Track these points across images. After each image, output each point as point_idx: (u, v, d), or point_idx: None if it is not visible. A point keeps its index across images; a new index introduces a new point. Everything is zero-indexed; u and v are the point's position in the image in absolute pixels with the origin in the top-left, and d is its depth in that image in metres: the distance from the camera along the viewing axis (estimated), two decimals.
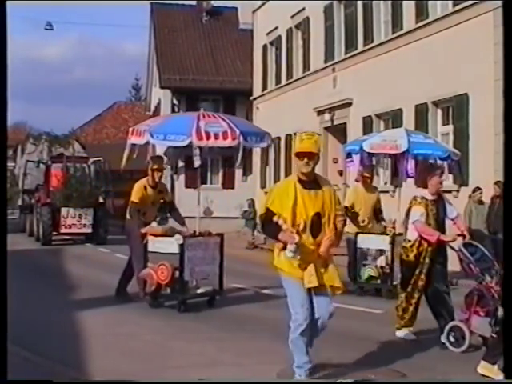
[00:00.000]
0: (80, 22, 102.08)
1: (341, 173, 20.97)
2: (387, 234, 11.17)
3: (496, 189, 13.12)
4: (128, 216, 10.08)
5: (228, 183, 33.41)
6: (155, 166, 9.99)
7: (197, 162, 9.66)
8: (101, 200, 22.81)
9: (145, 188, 9.99)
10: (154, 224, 9.92)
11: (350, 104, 20.83)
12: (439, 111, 16.90)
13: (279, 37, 26.81)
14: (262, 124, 28.66)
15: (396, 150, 11.24)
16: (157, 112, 36.60)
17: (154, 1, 36.40)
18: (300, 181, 5.72)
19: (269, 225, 5.71)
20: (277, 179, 26.41)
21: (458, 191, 15.19)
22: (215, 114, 10.44)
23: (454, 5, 15.99)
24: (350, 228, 11.10)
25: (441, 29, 16.28)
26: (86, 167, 23.76)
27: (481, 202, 13.89)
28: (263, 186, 27.93)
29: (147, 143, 9.93)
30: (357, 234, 11.40)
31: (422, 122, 16.71)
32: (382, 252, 11.19)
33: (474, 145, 15.16)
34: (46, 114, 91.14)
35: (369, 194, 11.64)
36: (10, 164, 28.86)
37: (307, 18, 23.99)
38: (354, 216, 11.39)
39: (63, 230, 22.17)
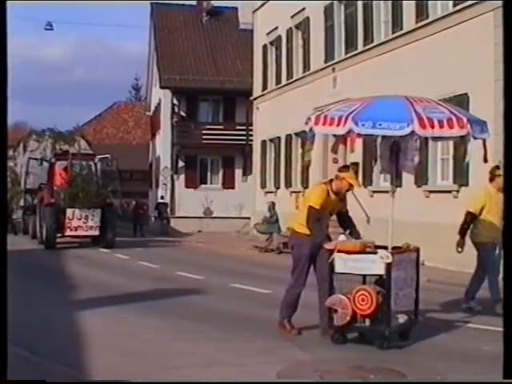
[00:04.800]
0: (80, 21, 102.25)
1: None
2: None
3: None
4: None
5: (228, 183, 33.43)
6: (346, 176, 7.93)
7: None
8: (108, 200, 21.64)
9: (327, 193, 8.05)
10: (342, 237, 7.85)
11: None
12: None
13: (279, 37, 26.79)
14: (261, 124, 28.88)
15: None
16: (157, 112, 36.60)
17: (154, 1, 36.45)
18: None
19: None
20: (277, 179, 26.41)
21: (457, 191, 15.17)
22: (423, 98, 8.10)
23: (454, 5, 15.98)
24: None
25: (441, 29, 16.27)
26: (92, 165, 22.51)
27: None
28: (263, 186, 27.90)
29: (349, 132, 7.52)
30: None
31: None
32: None
33: (473, 145, 15.09)
34: (46, 114, 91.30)
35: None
36: (10, 164, 28.46)
37: (307, 18, 23.99)
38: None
39: (68, 233, 21.03)
